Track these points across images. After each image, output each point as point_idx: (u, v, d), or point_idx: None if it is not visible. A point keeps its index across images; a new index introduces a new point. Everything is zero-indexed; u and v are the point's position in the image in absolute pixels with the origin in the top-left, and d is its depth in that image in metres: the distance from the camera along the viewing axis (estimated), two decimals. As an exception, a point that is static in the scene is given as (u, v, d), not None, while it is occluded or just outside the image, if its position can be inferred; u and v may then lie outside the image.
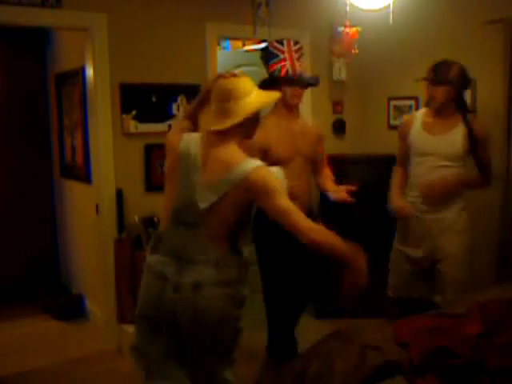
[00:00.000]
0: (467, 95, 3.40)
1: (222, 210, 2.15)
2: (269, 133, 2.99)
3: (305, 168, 3.13)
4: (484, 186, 3.23)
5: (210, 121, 2.26)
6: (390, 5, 3.19)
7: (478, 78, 3.95)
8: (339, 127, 4.67)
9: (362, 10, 3.29)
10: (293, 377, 2.11)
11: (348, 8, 3.22)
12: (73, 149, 4.45)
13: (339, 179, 3.35)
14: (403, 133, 3.27)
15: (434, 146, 3.10)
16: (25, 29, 4.31)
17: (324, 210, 4.39)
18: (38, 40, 4.77)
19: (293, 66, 3.04)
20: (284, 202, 2.12)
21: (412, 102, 4.29)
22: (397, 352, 2.12)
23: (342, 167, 3.84)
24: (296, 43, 3.09)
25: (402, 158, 3.33)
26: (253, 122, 2.28)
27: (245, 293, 2.25)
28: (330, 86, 4.61)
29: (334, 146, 4.50)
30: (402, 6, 3.50)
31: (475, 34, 3.91)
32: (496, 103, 3.82)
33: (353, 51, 4.35)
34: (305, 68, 4.30)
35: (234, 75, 2.24)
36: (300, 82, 3.07)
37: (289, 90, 3.02)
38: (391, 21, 3.17)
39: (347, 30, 4.33)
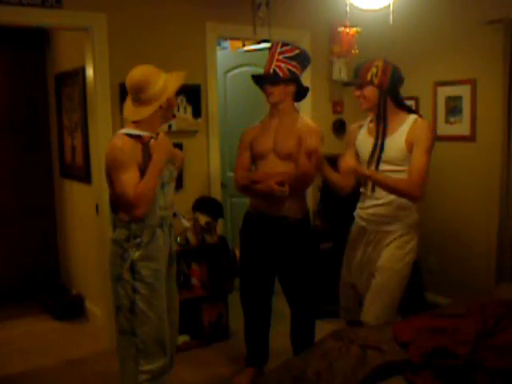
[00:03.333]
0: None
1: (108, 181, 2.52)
2: (255, 130, 3.17)
3: (281, 166, 3.05)
4: (407, 193, 2.73)
5: (127, 112, 2.49)
6: (390, 5, 3.19)
7: (477, 78, 3.96)
8: (339, 127, 4.67)
9: (361, 10, 3.29)
10: (293, 377, 2.11)
11: (348, 8, 3.22)
12: (73, 149, 4.45)
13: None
14: (350, 141, 3.06)
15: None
16: (25, 29, 4.31)
17: (324, 210, 4.40)
18: (38, 40, 4.77)
19: (268, 65, 3.05)
20: (123, 177, 2.38)
21: (412, 102, 4.26)
22: (397, 352, 2.12)
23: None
24: (284, 45, 3.06)
25: None
26: (167, 105, 2.49)
27: (133, 256, 2.44)
28: (330, 85, 4.61)
29: (334, 146, 4.49)
30: (401, 6, 3.51)
31: (475, 34, 3.91)
32: (496, 103, 3.82)
33: (353, 51, 4.35)
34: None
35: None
36: (267, 80, 3.04)
37: (265, 89, 3.08)
38: (391, 21, 3.17)
39: (347, 30, 4.33)
